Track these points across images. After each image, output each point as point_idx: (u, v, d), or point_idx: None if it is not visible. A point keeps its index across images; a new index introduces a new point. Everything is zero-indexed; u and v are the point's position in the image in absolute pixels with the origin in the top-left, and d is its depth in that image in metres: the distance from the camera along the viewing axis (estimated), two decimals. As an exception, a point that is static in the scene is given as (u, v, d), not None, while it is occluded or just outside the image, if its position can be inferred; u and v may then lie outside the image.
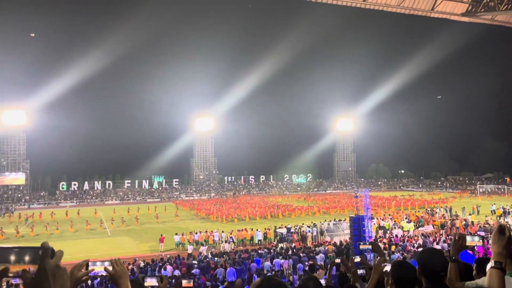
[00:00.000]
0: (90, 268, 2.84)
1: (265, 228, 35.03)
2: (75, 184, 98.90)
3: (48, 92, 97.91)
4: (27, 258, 1.31)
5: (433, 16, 15.48)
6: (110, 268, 2.43)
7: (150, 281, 3.80)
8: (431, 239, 27.37)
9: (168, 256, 25.59)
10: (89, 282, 18.42)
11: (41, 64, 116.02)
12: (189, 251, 27.44)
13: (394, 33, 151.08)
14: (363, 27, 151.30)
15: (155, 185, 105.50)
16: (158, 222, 48.78)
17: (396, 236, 30.09)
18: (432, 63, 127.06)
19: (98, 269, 2.86)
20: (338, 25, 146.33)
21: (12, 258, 1.31)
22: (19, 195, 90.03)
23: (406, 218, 38.15)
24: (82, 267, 2.44)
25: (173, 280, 15.90)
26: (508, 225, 2.25)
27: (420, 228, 34.37)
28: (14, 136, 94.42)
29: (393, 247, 24.14)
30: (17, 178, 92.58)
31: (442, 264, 3.15)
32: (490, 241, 2.26)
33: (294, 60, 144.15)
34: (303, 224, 36.44)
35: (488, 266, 2.16)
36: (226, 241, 31.91)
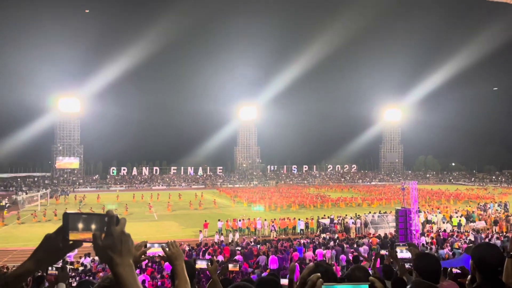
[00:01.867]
0: (148, 247, 3.01)
1: (307, 218, 34.95)
2: (124, 169, 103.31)
3: (100, 81, 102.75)
4: (93, 225, 1.43)
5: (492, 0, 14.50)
6: (167, 249, 2.57)
7: (201, 263, 3.98)
8: (483, 235, 26.14)
9: (212, 241, 26.24)
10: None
11: (93, 54, 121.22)
12: (231, 239, 27.90)
13: (447, 18, 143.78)
14: (414, 12, 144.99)
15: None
16: (217, 207, 50.52)
17: (445, 231, 29.00)
18: (488, 50, 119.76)
19: (156, 250, 3.01)
20: (387, 10, 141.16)
21: (80, 226, 1.44)
22: (73, 179, 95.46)
23: (456, 213, 36.63)
24: (141, 247, 2.60)
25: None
26: None
27: (471, 224, 32.90)
28: (69, 123, 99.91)
29: (456, 244, 22.97)
30: (72, 162, 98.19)
31: (499, 259, 3.03)
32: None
33: (340, 48, 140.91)
34: (346, 215, 35.98)
35: None
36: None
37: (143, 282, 12.51)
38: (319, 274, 1.35)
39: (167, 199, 58.51)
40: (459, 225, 32.45)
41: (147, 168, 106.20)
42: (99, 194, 65.66)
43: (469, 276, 3.81)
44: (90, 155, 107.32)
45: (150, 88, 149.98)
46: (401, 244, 4.54)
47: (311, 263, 1.66)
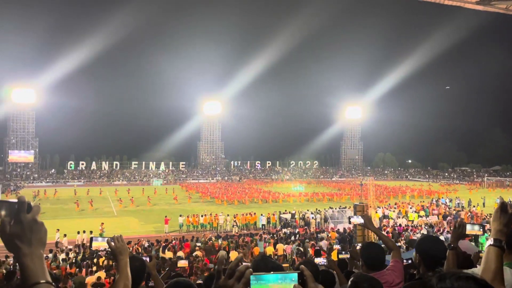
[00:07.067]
0: (93, 243, 2.92)
1: (268, 213, 35.25)
2: (82, 164, 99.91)
3: (57, 70, 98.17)
4: (3, 212, 1.32)
5: (447, 3, 15.13)
6: (112, 243, 2.52)
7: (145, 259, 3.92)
8: (435, 229, 27.35)
9: (172, 237, 25.93)
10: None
11: (51, 41, 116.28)
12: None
13: (404, 19, 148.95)
14: (373, 11, 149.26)
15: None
16: (176, 202, 49.81)
17: (400, 225, 30.08)
18: (443, 49, 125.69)
19: (100, 244, 2.93)
20: (349, 9, 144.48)
21: None
22: (27, 173, 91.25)
23: (411, 208, 38.11)
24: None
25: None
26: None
27: (424, 218, 34.33)
28: (23, 115, 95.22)
29: (410, 238, 24.04)
30: (26, 156, 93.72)
31: (442, 251, 3.17)
32: (491, 219, 2.20)
33: (303, 45, 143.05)
34: (307, 210, 36.58)
35: (487, 243, 2.10)
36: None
37: (99, 278, 12.15)
38: (248, 264, 1.34)
39: (140, 194, 57.43)
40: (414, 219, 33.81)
41: (107, 162, 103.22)
42: (46, 189, 63.04)
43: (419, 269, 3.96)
44: (46, 149, 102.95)
45: (111, 81, 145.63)
46: (355, 216, 4.78)
47: (240, 254, 1.65)
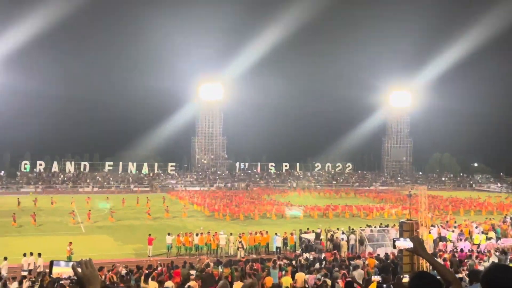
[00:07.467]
0: (54, 268, 2.94)
1: (285, 232, 35.26)
2: (41, 165, 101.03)
3: (8, 42, 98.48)
4: None
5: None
6: (79, 269, 2.53)
7: None
8: (509, 256, 27.08)
9: (158, 262, 26.09)
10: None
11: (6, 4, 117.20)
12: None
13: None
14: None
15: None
16: (149, 218, 50.14)
17: (462, 250, 29.87)
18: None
19: (63, 270, 2.94)
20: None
21: None
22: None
23: (477, 228, 37.79)
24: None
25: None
26: None
27: (494, 241, 33.97)
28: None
29: (476, 267, 23.89)
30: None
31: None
32: None
33: (332, 11, 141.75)
34: (338, 229, 36.51)
35: None
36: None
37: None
38: None
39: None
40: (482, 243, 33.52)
41: (73, 163, 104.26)
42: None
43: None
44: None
45: (79, 57, 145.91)
46: (401, 239, 4.75)
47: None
